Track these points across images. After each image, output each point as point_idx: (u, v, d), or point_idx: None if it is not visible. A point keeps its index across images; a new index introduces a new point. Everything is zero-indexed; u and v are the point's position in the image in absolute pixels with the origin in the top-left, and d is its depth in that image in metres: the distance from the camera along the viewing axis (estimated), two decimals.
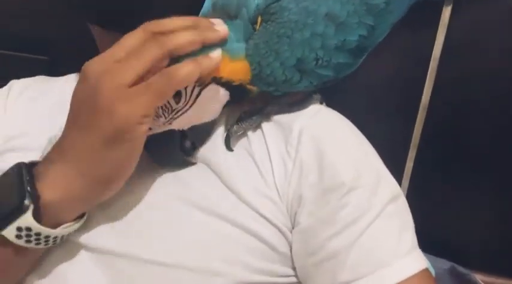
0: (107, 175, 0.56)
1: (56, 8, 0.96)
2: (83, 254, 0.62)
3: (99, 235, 0.62)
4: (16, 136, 0.71)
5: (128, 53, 0.53)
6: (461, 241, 1.00)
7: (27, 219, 0.53)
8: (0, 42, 1.01)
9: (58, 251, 0.63)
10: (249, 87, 0.65)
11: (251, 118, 0.68)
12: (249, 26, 0.63)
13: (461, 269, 0.95)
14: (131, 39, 0.54)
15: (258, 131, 0.69)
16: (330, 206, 0.63)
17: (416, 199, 0.69)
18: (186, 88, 0.58)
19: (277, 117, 0.70)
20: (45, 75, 0.86)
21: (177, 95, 0.58)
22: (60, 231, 0.58)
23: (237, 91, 0.63)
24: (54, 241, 0.58)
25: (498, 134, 0.91)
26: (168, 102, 0.59)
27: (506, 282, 0.98)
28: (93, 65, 0.53)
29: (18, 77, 0.82)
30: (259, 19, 0.62)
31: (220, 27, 0.58)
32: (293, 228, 0.66)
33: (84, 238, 0.62)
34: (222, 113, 0.67)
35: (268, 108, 0.69)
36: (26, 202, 0.52)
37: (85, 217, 0.60)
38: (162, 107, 0.59)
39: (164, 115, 0.60)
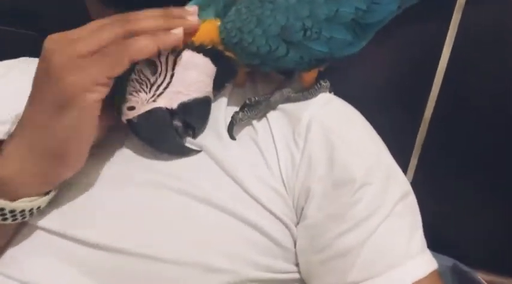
0: (57, 147, 0.54)
1: None
2: (41, 239, 0.59)
3: (58, 219, 0.59)
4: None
5: (88, 32, 0.54)
6: (463, 239, 0.98)
7: None
8: None
9: (18, 235, 0.60)
10: (226, 53, 0.61)
11: (257, 107, 0.65)
12: None
13: (463, 267, 0.92)
14: (95, 23, 0.55)
15: (264, 120, 0.66)
16: (340, 201, 0.60)
17: (420, 196, 0.66)
18: (159, 57, 0.57)
19: (284, 106, 0.66)
20: (33, 50, 0.82)
21: (152, 66, 0.57)
22: (18, 204, 0.55)
23: (218, 60, 0.61)
24: (22, 216, 0.56)
25: (505, 132, 0.88)
26: (143, 74, 0.57)
27: (507, 281, 0.95)
28: (50, 40, 0.53)
29: (5, 52, 0.80)
30: None
31: (192, 17, 0.57)
32: (298, 223, 0.63)
33: (45, 222, 0.60)
34: (222, 98, 0.65)
35: (274, 95, 0.66)
36: None
37: (50, 195, 0.58)
38: (138, 80, 0.57)
39: (144, 90, 0.58)
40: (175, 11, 0.58)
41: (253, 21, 0.58)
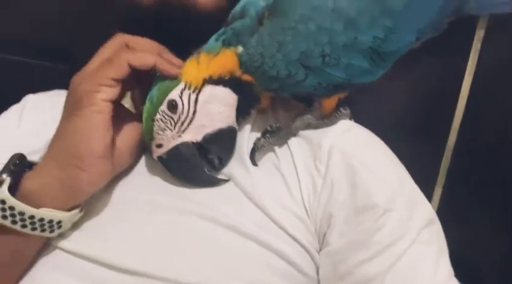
0: (74, 150, 0.57)
1: (80, 17, 0.98)
2: (60, 259, 0.60)
3: (81, 240, 0.61)
4: (29, 154, 0.72)
5: (102, 62, 0.61)
6: (489, 267, 0.95)
7: (3, 192, 0.56)
8: (22, 50, 1.02)
9: (41, 255, 0.61)
10: (245, 78, 0.63)
11: (278, 134, 0.66)
12: (254, 23, 0.62)
13: None
14: (107, 50, 0.62)
15: (285, 146, 0.67)
16: (362, 228, 0.60)
17: (445, 224, 0.66)
18: (181, 97, 0.61)
19: (304, 133, 0.68)
20: (65, 83, 0.87)
21: (173, 106, 0.61)
22: (40, 212, 0.57)
23: (238, 87, 0.63)
24: (41, 226, 0.58)
25: None
26: (167, 114, 0.62)
27: None
28: (75, 77, 0.61)
29: (38, 85, 0.84)
30: (266, 13, 0.61)
31: (174, 69, 0.62)
32: (321, 249, 0.63)
33: (67, 243, 0.60)
34: (246, 126, 0.67)
35: (295, 123, 0.67)
36: (4, 175, 0.57)
37: (73, 213, 0.59)
38: (162, 120, 0.62)
39: (169, 128, 0.62)
40: (167, 53, 0.63)
41: (274, 46, 0.60)
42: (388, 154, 0.68)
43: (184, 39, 0.64)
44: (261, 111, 0.71)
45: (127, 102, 0.72)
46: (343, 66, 0.61)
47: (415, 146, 0.87)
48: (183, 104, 0.62)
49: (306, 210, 0.63)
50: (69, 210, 0.59)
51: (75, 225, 0.61)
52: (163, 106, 0.62)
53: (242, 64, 0.62)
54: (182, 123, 0.62)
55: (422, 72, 0.87)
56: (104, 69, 0.59)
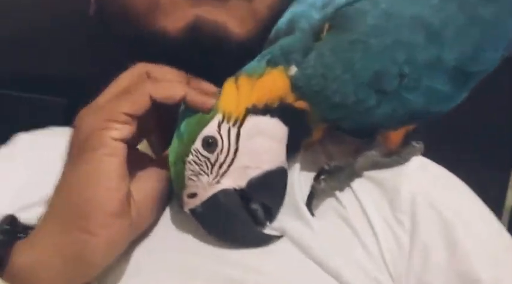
0: (77, 207, 0.47)
1: (77, 47, 0.90)
2: None
3: None
4: (24, 208, 0.58)
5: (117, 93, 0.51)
6: None
7: None
8: (16, 83, 0.93)
9: None
10: (298, 106, 0.51)
11: (338, 174, 0.55)
12: (308, 38, 0.51)
13: None
14: (124, 80, 0.52)
15: (348, 190, 0.56)
16: None
17: None
18: (219, 132, 0.50)
19: (369, 173, 0.56)
20: (62, 118, 0.82)
21: (210, 144, 0.50)
22: None
23: (289, 117, 0.52)
24: None
25: None
26: (201, 154, 0.50)
27: None
28: (82, 112, 0.50)
29: (34, 120, 0.76)
30: (326, 26, 0.50)
31: (209, 100, 0.51)
32: None
33: None
34: (293, 166, 0.55)
35: (358, 161, 0.55)
36: None
37: None
38: (196, 162, 0.50)
39: (205, 172, 0.50)
40: (196, 82, 0.53)
41: (340, 66, 0.48)
42: (483, 206, 0.58)
43: (217, 71, 0.53)
44: (307, 145, 0.59)
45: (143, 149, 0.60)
46: (423, 90, 0.51)
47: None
48: (222, 141, 0.50)
49: (391, 277, 0.51)
50: None
51: None
52: (197, 145, 0.50)
53: (296, 88, 0.50)
54: (221, 165, 0.50)
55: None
56: (118, 102, 0.49)
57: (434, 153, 0.59)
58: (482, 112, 0.84)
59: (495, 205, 0.83)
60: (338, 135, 0.61)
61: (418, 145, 0.57)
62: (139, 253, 0.52)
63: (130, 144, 0.49)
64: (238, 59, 0.53)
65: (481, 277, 0.51)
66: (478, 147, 0.84)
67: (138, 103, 0.48)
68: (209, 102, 0.50)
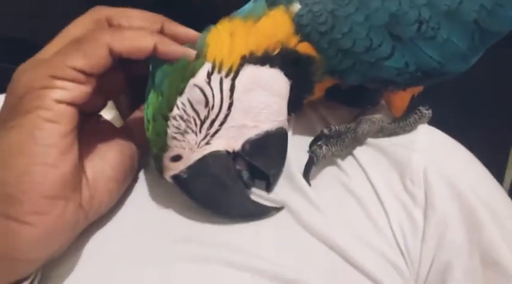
0: (4, 187, 0.36)
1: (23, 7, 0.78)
2: None
3: None
4: None
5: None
6: None
7: None
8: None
9: None
10: (303, 50, 0.45)
11: (341, 140, 0.49)
12: None
13: None
14: (76, 28, 0.43)
15: (350, 158, 0.51)
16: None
17: None
18: (209, 83, 0.42)
19: (374, 141, 0.51)
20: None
21: (201, 95, 0.42)
22: None
23: (294, 69, 0.45)
24: None
25: None
26: (190, 108, 0.42)
27: None
28: (19, 67, 0.41)
29: None
30: None
31: (189, 51, 0.43)
32: None
33: None
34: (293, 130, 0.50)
35: (362, 125, 0.50)
36: None
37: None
38: (182, 117, 0.42)
39: (192, 130, 0.43)
40: (173, 25, 0.45)
41: (352, 3, 0.43)
42: (491, 178, 0.53)
43: (204, 14, 0.45)
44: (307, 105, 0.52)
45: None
46: (441, 42, 0.46)
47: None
48: (213, 94, 0.42)
49: (403, 255, 0.46)
50: None
51: None
52: (184, 98, 0.42)
53: (300, 29, 0.44)
54: (212, 123, 0.43)
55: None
56: (65, 54, 0.39)
57: None
58: (481, 91, 0.82)
59: None
60: (334, 103, 0.56)
61: (428, 111, 0.52)
62: (104, 233, 0.44)
63: (86, 109, 0.41)
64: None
65: (502, 261, 0.47)
66: (477, 127, 0.81)
67: (93, 57, 0.39)
68: (187, 53, 0.42)
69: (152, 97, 0.43)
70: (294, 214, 0.45)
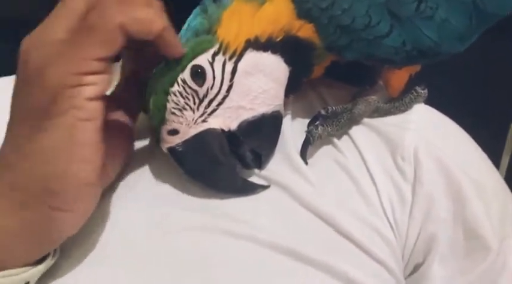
0: (45, 181, 0.38)
1: None
2: None
3: None
4: None
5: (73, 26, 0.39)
6: None
7: None
8: None
9: None
10: (303, 34, 0.46)
11: (337, 120, 0.50)
12: None
13: None
14: (78, 2, 0.40)
15: (346, 138, 0.52)
16: (477, 269, 0.48)
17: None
18: (212, 63, 0.44)
19: (369, 120, 0.53)
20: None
21: (199, 75, 0.43)
22: None
23: (294, 56, 0.46)
24: None
25: None
26: (189, 86, 0.44)
27: None
28: (26, 40, 0.39)
29: None
30: None
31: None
32: None
33: None
34: (284, 113, 0.50)
35: (358, 106, 0.51)
36: None
37: (46, 263, 0.41)
38: (181, 94, 0.44)
39: (190, 107, 0.44)
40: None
41: None
42: (478, 148, 0.55)
43: None
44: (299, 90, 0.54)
45: None
46: (439, 22, 0.47)
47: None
48: (214, 74, 0.44)
49: (391, 226, 0.48)
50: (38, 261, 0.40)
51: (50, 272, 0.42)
52: (186, 74, 0.43)
53: (301, 11, 0.45)
54: (210, 102, 0.44)
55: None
56: (84, 46, 0.38)
57: None
58: (480, 73, 0.82)
59: None
60: (331, 85, 0.56)
61: (423, 91, 0.53)
62: (107, 205, 0.46)
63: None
64: None
65: (484, 234, 0.48)
66: (474, 111, 0.82)
67: (109, 43, 0.38)
68: (180, 57, 0.43)
69: (160, 69, 0.44)
70: (290, 190, 0.46)
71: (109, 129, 0.42)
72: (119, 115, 0.46)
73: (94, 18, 0.38)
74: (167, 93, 0.43)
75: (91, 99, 0.38)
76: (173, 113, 0.43)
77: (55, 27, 0.39)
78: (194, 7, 0.47)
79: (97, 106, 0.39)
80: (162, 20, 0.40)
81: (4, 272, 0.38)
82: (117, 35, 0.38)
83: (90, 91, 0.38)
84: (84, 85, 0.38)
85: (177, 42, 0.42)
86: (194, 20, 0.45)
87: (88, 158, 0.38)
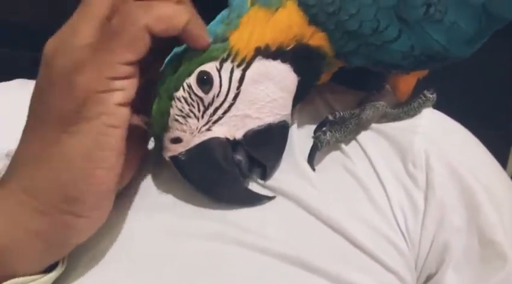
0: (66, 188, 0.38)
1: None
2: None
3: None
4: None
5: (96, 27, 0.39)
6: None
7: None
8: None
9: None
10: (313, 43, 0.45)
11: (345, 125, 0.49)
12: None
13: None
14: (101, 3, 0.39)
15: (354, 143, 0.51)
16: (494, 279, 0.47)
17: None
18: (219, 70, 0.43)
19: (378, 126, 0.52)
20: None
21: (205, 82, 0.42)
22: None
23: (302, 63, 0.45)
24: None
25: None
26: (194, 92, 0.42)
27: None
28: (50, 42, 0.39)
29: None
30: None
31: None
32: None
33: None
34: (291, 119, 0.49)
35: (365, 111, 0.50)
36: None
37: (57, 271, 0.41)
38: (186, 100, 0.42)
39: (195, 114, 0.43)
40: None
41: None
42: (494, 161, 0.54)
43: None
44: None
45: None
46: (448, 26, 0.46)
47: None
48: (220, 82, 0.43)
49: (403, 235, 0.46)
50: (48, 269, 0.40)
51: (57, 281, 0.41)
52: (192, 79, 0.42)
53: (307, 9, 0.44)
54: (216, 110, 0.43)
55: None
56: (112, 50, 0.38)
57: None
58: (484, 76, 0.83)
59: None
60: (337, 91, 0.56)
61: (432, 95, 0.52)
62: (120, 216, 0.46)
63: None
64: None
65: (499, 240, 0.47)
66: (482, 113, 0.81)
67: (137, 46, 0.38)
68: (208, 47, 0.42)
69: (167, 72, 0.43)
70: (298, 199, 0.45)
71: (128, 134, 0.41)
72: (135, 120, 0.45)
73: (119, 22, 0.38)
74: (171, 98, 0.42)
75: (120, 104, 0.38)
76: (176, 120, 0.43)
77: (81, 32, 0.38)
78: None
79: (125, 112, 0.39)
80: (187, 12, 0.39)
81: (15, 280, 0.38)
82: (143, 37, 0.38)
83: (119, 96, 0.38)
84: (114, 90, 0.38)
85: (203, 33, 0.41)
86: (216, 25, 0.44)
87: (113, 164, 0.38)
